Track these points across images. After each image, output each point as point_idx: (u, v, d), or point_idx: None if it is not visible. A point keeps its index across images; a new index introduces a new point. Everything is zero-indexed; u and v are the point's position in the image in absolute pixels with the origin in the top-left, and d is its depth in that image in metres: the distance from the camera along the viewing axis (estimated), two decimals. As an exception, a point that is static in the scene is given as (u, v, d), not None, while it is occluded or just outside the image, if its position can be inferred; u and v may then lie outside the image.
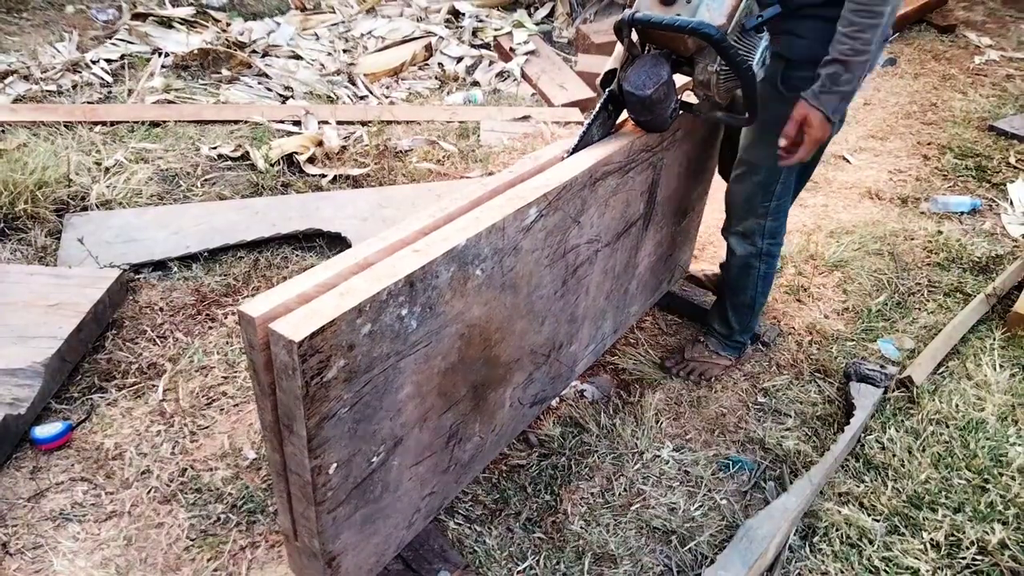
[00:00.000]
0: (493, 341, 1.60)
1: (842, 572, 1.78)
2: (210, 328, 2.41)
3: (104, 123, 3.49)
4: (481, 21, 5.12)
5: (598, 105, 1.71)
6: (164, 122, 3.57)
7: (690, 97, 1.87)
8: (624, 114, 1.78)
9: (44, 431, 1.97)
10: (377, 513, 1.50)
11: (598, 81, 1.80)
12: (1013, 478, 2.01)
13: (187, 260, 2.67)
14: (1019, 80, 4.87)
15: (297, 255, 2.77)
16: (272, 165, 3.29)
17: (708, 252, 2.97)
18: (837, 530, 1.87)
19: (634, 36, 1.63)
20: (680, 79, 1.77)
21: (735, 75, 1.57)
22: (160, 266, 2.64)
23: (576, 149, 1.69)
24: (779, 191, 1.99)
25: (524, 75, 4.53)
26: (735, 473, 2.04)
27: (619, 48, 1.73)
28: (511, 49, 4.76)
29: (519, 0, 5.58)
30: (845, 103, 1.66)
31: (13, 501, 1.83)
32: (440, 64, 4.59)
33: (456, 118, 3.90)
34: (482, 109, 4.08)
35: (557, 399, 2.21)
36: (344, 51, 4.63)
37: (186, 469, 1.95)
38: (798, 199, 3.40)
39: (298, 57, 4.48)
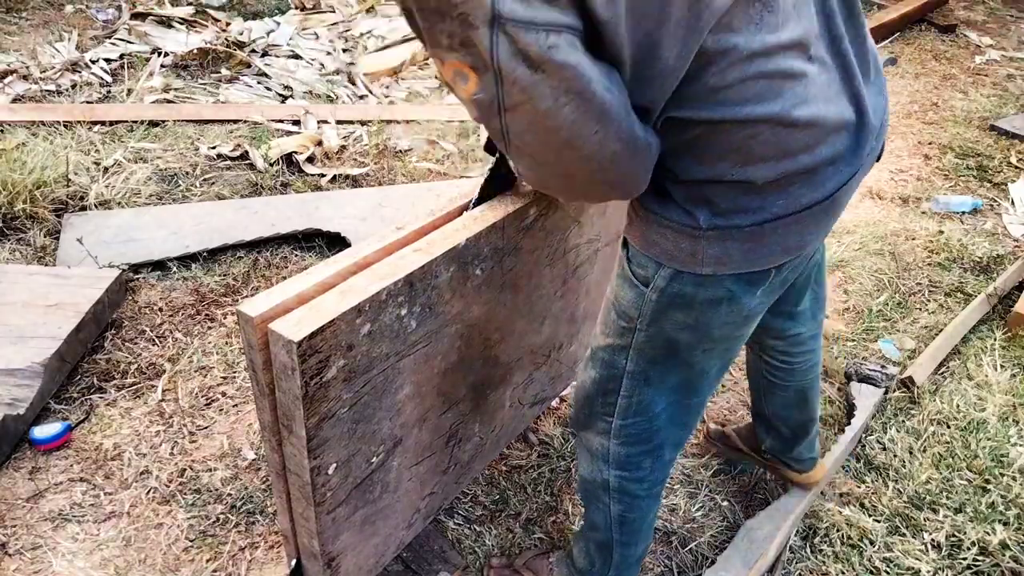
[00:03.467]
0: (493, 341, 1.59)
1: (843, 573, 1.77)
2: (209, 328, 2.41)
3: (103, 123, 3.49)
4: (481, 21, 5.11)
5: (488, 170, 1.45)
6: (163, 122, 3.56)
7: None
8: None
9: (43, 431, 1.96)
10: (377, 514, 1.49)
11: (482, 142, 1.52)
12: (1014, 478, 2.01)
13: (186, 260, 2.66)
14: (1020, 80, 4.86)
15: (296, 255, 2.77)
16: (271, 165, 3.29)
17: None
18: (838, 531, 1.86)
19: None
20: None
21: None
22: (159, 266, 2.64)
23: (476, 203, 1.46)
24: (624, 407, 1.27)
25: (524, 75, 4.53)
26: (736, 474, 2.04)
27: None
28: (511, 49, 4.75)
29: (519, 0, 5.57)
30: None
31: (12, 502, 1.83)
32: (440, 64, 4.58)
33: (456, 118, 3.89)
34: (482, 109, 4.07)
35: (557, 399, 2.20)
36: (344, 51, 4.63)
37: (185, 469, 1.95)
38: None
39: (298, 57, 4.48)
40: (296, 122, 3.69)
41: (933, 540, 1.85)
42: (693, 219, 1.03)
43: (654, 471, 1.37)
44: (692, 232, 1.03)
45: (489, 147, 1.46)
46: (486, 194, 1.47)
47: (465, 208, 1.45)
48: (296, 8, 5.13)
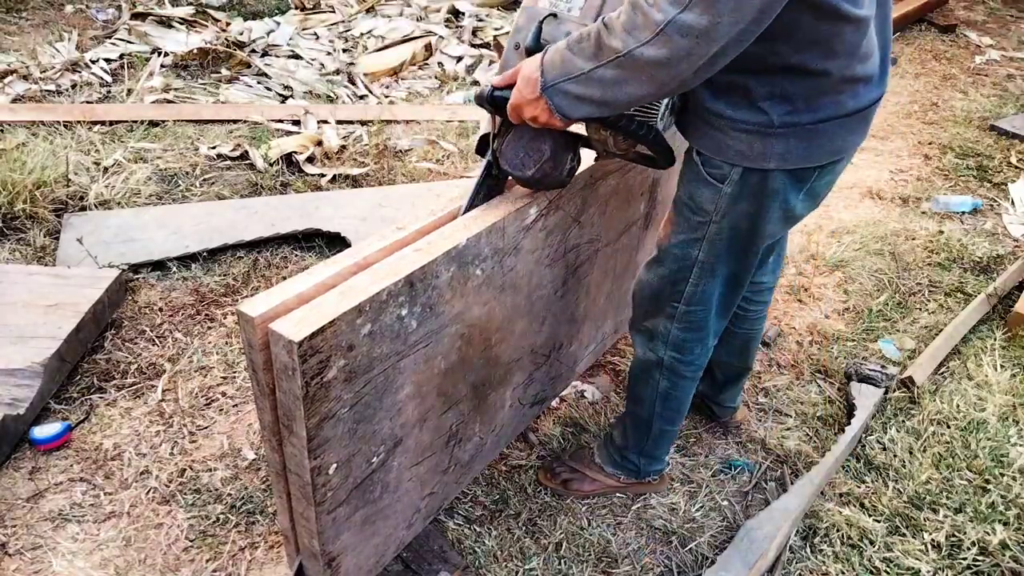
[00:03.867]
0: (493, 341, 1.59)
1: (843, 573, 1.77)
2: (209, 328, 2.41)
3: (103, 123, 3.49)
4: (481, 20, 5.11)
5: (479, 174, 1.46)
6: (163, 122, 3.56)
7: None
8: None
9: (43, 431, 1.96)
10: (377, 514, 1.49)
11: (475, 149, 1.54)
12: (1014, 478, 2.01)
13: (186, 260, 2.66)
14: (1020, 80, 4.86)
15: (296, 255, 2.76)
16: (271, 165, 3.29)
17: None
18: (838, 531, 1.86)
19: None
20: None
21: (636, 140, 1.34)
22: (159, 266, 2.63)
23: (467, 209, 1.47)
24: (690, 295, 1.52)
25: (524, 75, 4.52)
26: (736, 474, 2.04)
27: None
28: (511, 49, 4.75)
29: (519, -1, 5.58)
30: (575, 103, 1.19)
31: (12, 502, 1.83)
32: (440, 63, 4.58)
33: (456, 117, 3.89)
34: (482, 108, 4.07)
35: (557, 399, 2.20)
36: (344, 50, 4.62)
37: (185, 469, 1.95)
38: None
39: (297, 56, 4.48)
40: (296, 122, 3.69)
41: (933, 540, 1.85)
42: (767, 117, 1.23)
43: (700, 356, 1.65)
44: (763, 131, 1.25)
45: (480, 149, 1.47)
46: (478, 198, 1.47)
47: (456, 215, 1.45)
48: (296, 8, 5.13)
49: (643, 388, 1.73)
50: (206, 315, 2.45)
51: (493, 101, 1.33)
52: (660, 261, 1.54)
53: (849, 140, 1.31)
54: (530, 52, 1.28)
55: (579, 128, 1.38)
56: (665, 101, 1.31)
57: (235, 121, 3.66)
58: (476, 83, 4.48)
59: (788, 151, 1.27)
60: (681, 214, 1.45)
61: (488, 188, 1.49)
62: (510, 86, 1.29)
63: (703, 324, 1.58)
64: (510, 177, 1.45)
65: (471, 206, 1.47)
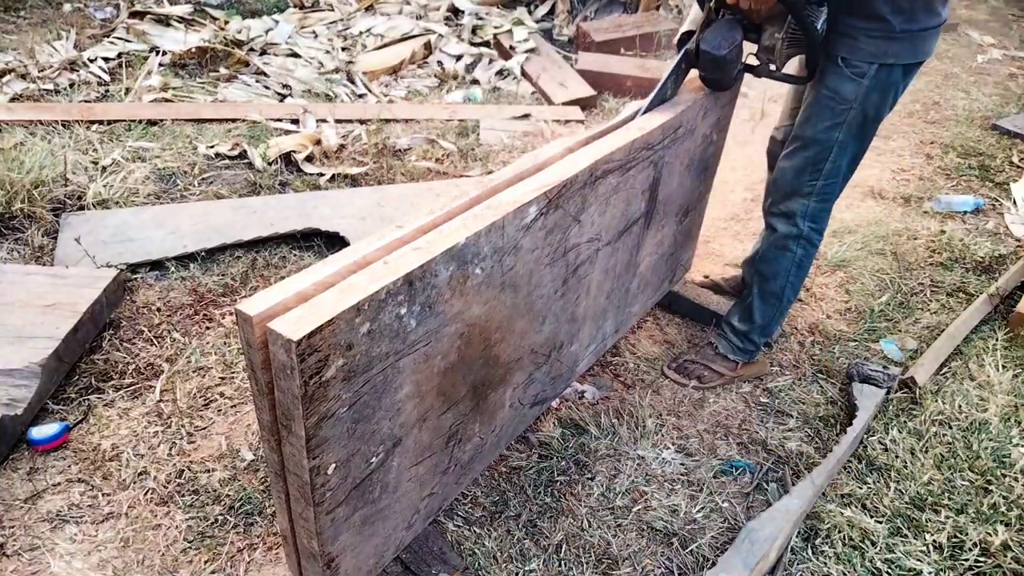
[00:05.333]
0: (493, 341, 1.58)
1: (844, 574, 1.77)
2: (207, 328, 2.40)
3: (101, 122, 3.48)
4: (481, 19, 5.10)
5: (674, 62, 1.90)
6: (161, 121, 3.55)
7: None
8: (693, 73, 1.99)
9: (41, 432, 1.95)
10: (376, 514, 1.48)
11: (675, 40, 1.96)
12: (1016, 479, 2.00)
13: (184, 260, 2.65)
14: (1022, 79, 4.86)
15: (295, 255, 2.75)
16: (270, 164, 3.28)
17: (709, 248, 2.95)
18: (839, 532, 1.85)
19: (713, 2, 1.84)
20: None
21: (804, 37, 1.75)
22: (157, 266, 2.62)
23: (652, 103, 1.91)
24: (828, 170, 1.96)
25: (524, 73, 4.52)
26: (737, 475, 2.03)
27: (695, 11, 1.93)
28: (511, 47, 4.75)
29: (519, -2, 5.56)
30: None
31: (10, 502, 1.82)
32: (439, 62, 4.58)
33: (455, 116, 3.88)
34: (482, 107, 4.07)
35: (557, 400, 2.19)
36: (343, 49, 4.61)
37: (183, 470, 1.94)
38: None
39: (296, 55, 4.47)
40: (295, 121, 3.68)
41: (935, 541, 1.84)
42: (890, 26, 1.73)
43: (825, 223, 2.11)
44: (888, 35, 1.74)
45: (680, 43, 1.92)
46: (669, 83, 1.91)
47: (644, 111, 1.86)
48: (295, 6, 5.12)
49: (779, 262, 2.14)
50: (204, 315, 2.44)
51: None
52: (805, 146, 1.97)
53: (934, 45, 1.82)
54: None
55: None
56: (823, 16, 1.72)
57: (233, 120, 3.65)
58: (476, 82, 4.47)
59: (903, 50, 1.77)
60: (826, 107, 1.88)
61: (674, 82, 1.93)
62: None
63: (833, 194, 2.03)
64: (699, 67, 1.90)
65: (660, 98, 1.91)
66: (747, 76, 1.99)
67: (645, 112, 1.89)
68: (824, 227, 2.10)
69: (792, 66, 1.98)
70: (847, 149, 1.94)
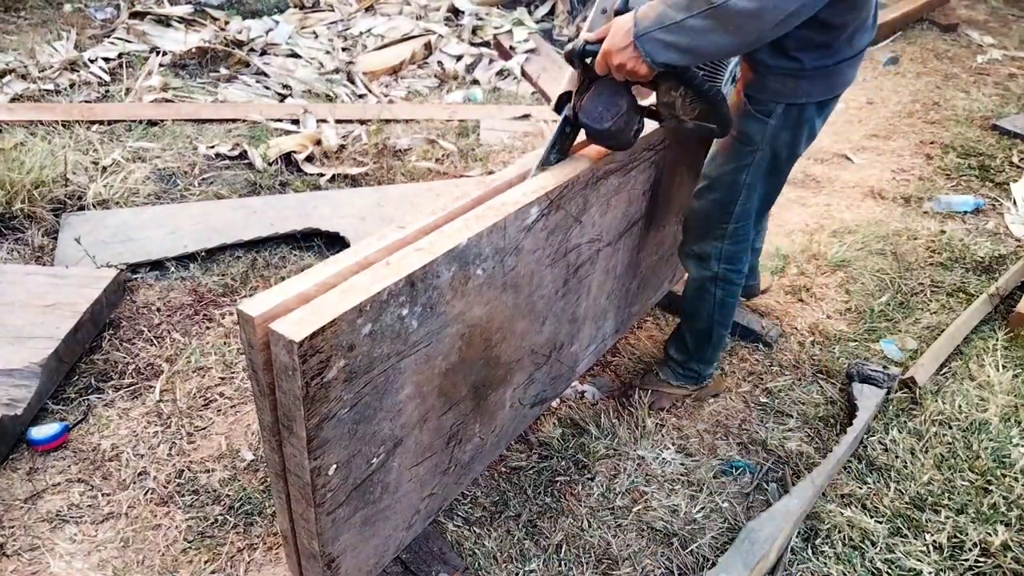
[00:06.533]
0: (494, 341, 1.58)
1: (844, 574, 1.77)
2: (207, 328, 2.40)
3: (101, 122, 3.48)
4: (481, 19, 5.10)
5: (555, 130, 1.61)
6: (162, 121, 3.55)
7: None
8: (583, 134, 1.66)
9: (41, 432, 1.95)
10: (376, 515, 1.48)
11: (551, 105, 1.66)
12: (1016, 479, 2.00)
13: (184, 260, 2.65)
14: (1022, 79, 4.86)
15: (295, 255, 2.75)
16: (270, 164, 3.28)
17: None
18: (839, 532, 1.85)
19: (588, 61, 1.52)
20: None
21: (701, 100, 1.51)
22: (157, 266, 2.62)
23: (537, 169, 1.61)
24: (738, 213, 1.86)
25: (524, 73, 4.52)
26: (737, 475, 2.03)
27: (571, 70, 1.60)
28: (511, 47, 4.75)
29: (519, -2, 5.56)
30: (665, 50, 1.36)
31: (10, 502, 1.82)
32: (439, 62, 4.57)
33: (456, 117, 3.88)
34: (482, 108, 4.07)
35: (558, 400, 2.20)
36: (343, 49, 4.61)
37: (183, 470, 1.94)
38: (799, 198, 3.40)
39: (296, 55, 4.47)
40: (295, 121, 3.68)
41: (935, 541, 1.84)
42: (800, 64, 1.56)
43: (744, 263, 2.01)
44: (798, 73, 1.58)
45: (558, 106, 1.63)
46: (552, 153, 1.63)
47: (525, 176, 1.61)
48: (295, 7, 5.12)
49: (701, 303, 2.06)
50: (204, 315, 2.44)
51: (584, 53, 1.49)
52: (712, 188, 1.86)
53: (853, 74, 1.67)
54: (618, 13, 1.49)
55: (644, 102, 1.61)
56: (730, 66, 1.59)
57: (234, 120, 3.65)
58: (476, 82, 4.47)
59: (816, 88, 1.61)
60: (732, 147, 1.76)
61: (561, 145, 1.64)
62: (600, 40, 1.45)
63: (745, 236, 1.94)
64: (584, 131, 1.59)
65: (546, 162, 1.62)
66: None
67: (535, 175, 1.59)
68: (742, 266, 2.01)
69: None
70: (755, 191, 1.83)
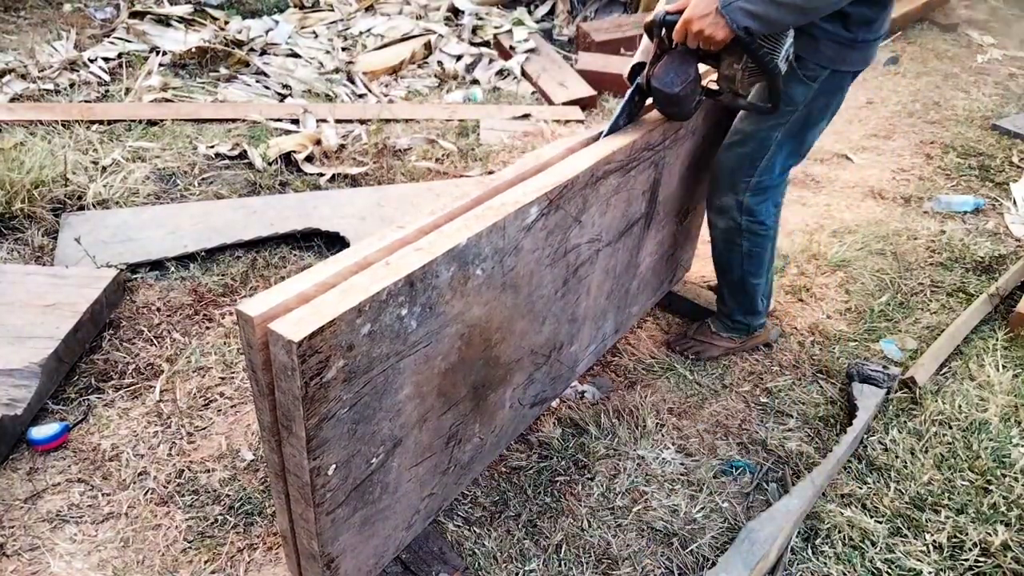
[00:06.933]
0: (493, 341, 1.58)
1: (844, 574, 1.77)
2: (207, 328, 2.40)
3: (101, 122, 3.47)
4: (481, 19, 5.10)
5: (626, 96, 1.81)
6: (161, 121, 3.55)
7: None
8: (649, 101, 1.89)
9: (41, 432, 1.95)
10: (376, 515, 1.48)
11: (626, 75, 1.87)
12: (1016, 479, 2.00)
13: (184, 260, 2.65)
14: (1022, 79, 4.86)
15: (295, 255, 2.75)
16: (270, 164, 3.28)
17: (709, 248, 2.94)
18: (839, 532, 1.85)
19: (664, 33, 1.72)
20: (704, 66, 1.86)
21: (760, 71, 1.67)
22: (157, 266, 2.62)
23: (607, 133, 1.82)
24: (762, 167, 1.99)
25: (524, 73, 4.52)
26: (737, 475, 2.03)
27: (646, 41, 1.85)
28: (511, 47, 4.75)
29: (519, -2, 5.56)
30: (747, 17, 1.54)
31: (10, 502, 1.82)
32: (439, 62, 4.57)
33: (456, 116, 3.88)
34: (482, 107, 4.07)
35: (557, 400, 2.19)
36: (343, 49, 4.61)
37: (183, 470, 1.94)
38: (799, 198, 3.40)
39: (296, 55, 4.47)
40: (295, 121, 3.68)
41: (935, 541, 1.84)
42: (853, 35, 1.74)
43: (769, 216, 2.11)
44: (850, 43, 1.75)
45: (631, 75, 1.83)
46: (621, 119, 1.80)
47: (597, 137, 1.76)
48: (295, 6, 5.12)
49: (730, 255, 2.19)
50: (204, 315, 2.44)
51: (664, 23, 1.67)
52: (744, 143, 1.98)
53: (875, 55, 1.86)
54: None
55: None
56: (786, 44, 1.67)
57: (233, 120, 3.65)
58: (476, 82, 4.47)
59: (857, 59, 1.79)
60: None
61: (631, 111, 1.83)
62: (679, 12, 1.63)
63: (768, 190, 2.05)
64: (654, 102, 1.81)
65: (615, 127, 1.79)
66: None
67: (607, 135, 1.79)
68: (766, 220, 2.11)
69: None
70: (782, 149, 1.96)
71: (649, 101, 1.85)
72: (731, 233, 2.13)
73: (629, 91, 1.81)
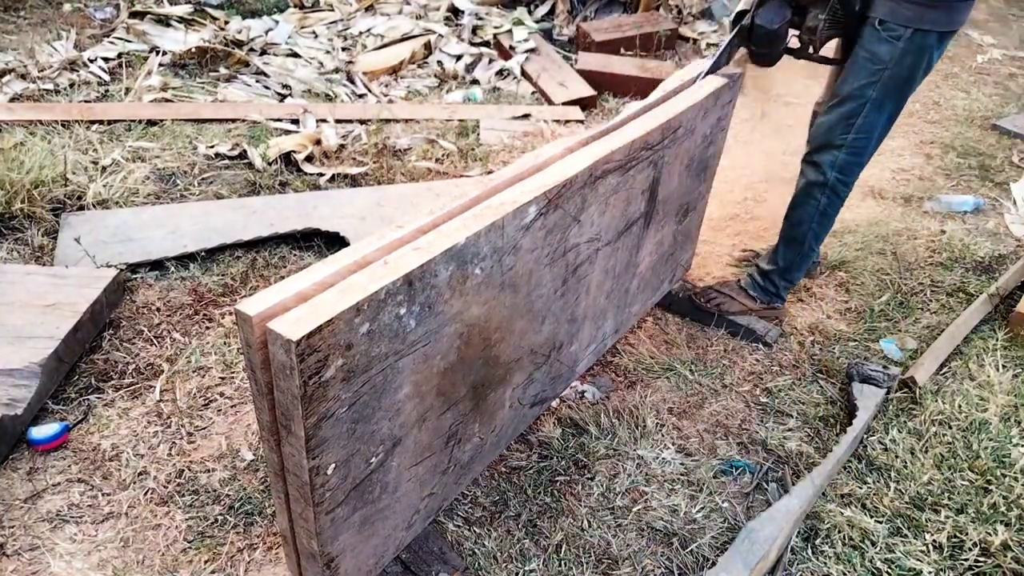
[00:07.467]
0: (493, 341, 1.58)
1: (844, 574, 1.77)
2: (207, 328, 2.40)
3: (101, 122, 3.47)
4: (481, 19, 5.10)
5: (728, 37, 2.17)
6: (161, 121, 3.55)
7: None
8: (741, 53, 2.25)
9: (41, 432, 1.95)
10: (376, 514, 1.48)
11: (728, 20, 2.23)
12: (1016, 479, 2.00)
13: (184, 260, 2.65)
14: (1022, 79, 4.85)
15: (295, 255, 2.75)
16: (270, 164, 3.28)
17: (709, 248, 2.95)
18: (839, 532, 1.85)
19: None
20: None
21: (845, 19, 2.01)
22: (157, 266, 2.62)
23: (711, 70, 2.15)
24: (859, 125, 2.11)
25: (524, 73, 4.52)
26: (737, 475, 2.03)
27: None
28: (511, 47, 4.74)
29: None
30: None
31: (10, 502, 1.82)
32: (439, 62, 4.57)
33: (455, 116, 3.88)
34: (482, 107, 4.07)
35: (557, 400, 2.19)
36: (343, 49, 4.61)
37: (183, 470, 1.94)
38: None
39: (296, 55, 4.47)
40: (295, 121, 3.68)
41: (935, 541, 1.84)
42: None
43: (854, 178, 2.26)
44: (928, 4, 1.90)
45: (735, 21, 2.16)
46: (723, 58, 2.16)
47: (695, 80, 2.10)
48: (295, 6, 5.12)
49: (805, 209, 2.31)
50: (204, 315, 2.44)
51: None
52: (842, 103, 2.12)
53: (967, 16, 2.00)
54: None
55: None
56: None
57: (233, 120, 3.65)
58: (475, 82, 4.47)
59: (939, 19, 1.92)
60: (862, 67, 2.05)
61: (729, 54, 2.18)
62: None
63: (863, 149, 2.18)
64: (751, 41, 2.14)
65: (716, 66, 2.16)
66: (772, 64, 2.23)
67: (706, 75, 2.13)
68: (852, 180, 2.25)
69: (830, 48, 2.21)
70: (880, 107, 2.09)
71: (741, 53, 2.22)
72: (815, 187, 2.25)
73: (730, 35, 2.16)
